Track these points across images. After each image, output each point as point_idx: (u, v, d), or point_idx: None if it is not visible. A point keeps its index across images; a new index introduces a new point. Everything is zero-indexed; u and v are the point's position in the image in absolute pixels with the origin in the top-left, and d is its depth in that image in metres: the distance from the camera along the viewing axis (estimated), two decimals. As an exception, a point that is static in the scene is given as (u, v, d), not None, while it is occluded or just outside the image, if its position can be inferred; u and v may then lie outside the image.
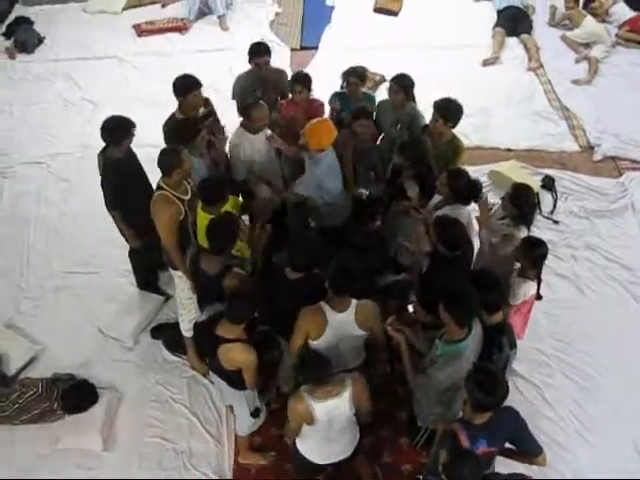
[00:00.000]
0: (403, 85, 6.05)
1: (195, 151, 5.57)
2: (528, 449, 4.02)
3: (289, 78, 6.58)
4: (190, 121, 5.79)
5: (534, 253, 4.78)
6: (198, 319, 4.88)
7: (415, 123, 6.15)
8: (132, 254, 6.43)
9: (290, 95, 6.46)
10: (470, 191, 5.22)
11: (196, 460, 5.44)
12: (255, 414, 4.96)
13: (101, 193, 5.81)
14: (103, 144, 5.68)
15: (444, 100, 5.72)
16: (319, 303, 4.51)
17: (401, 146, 5.71)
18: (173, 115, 6.02)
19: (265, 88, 6.49)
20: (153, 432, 5.64)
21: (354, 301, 4.51)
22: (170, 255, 5.37)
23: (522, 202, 5.10)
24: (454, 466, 3.55)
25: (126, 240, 6.14)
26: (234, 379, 4.63)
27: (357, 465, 4.99)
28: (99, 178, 5.80)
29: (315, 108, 6.39)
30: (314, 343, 4.52)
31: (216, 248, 4.77)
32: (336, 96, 6.55)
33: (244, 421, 5.07)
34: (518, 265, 4.93)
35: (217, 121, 6.34)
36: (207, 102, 6.26)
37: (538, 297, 5.06)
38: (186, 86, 5.91)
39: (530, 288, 4.89)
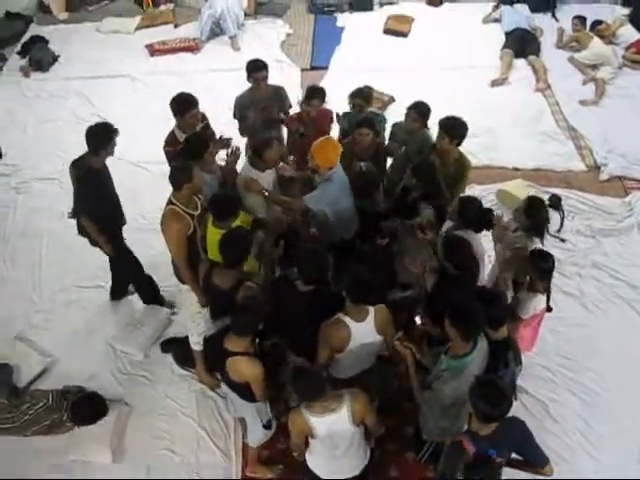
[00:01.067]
0: (421, 112, 6.13)
1: (205, 167, 5.62)
2: (534, 459, 4.04)
3: (293, 93, 6.66)
4: (198, 136, 5.84)
5: (541, 266, 4.86)
6: (208, 333, 4.93)
7: (425, 145, 6.19)
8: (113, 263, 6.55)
9: (303, 108, 6.54)
10: (481, 219, 5.27)
11: (204, 473, 5.47)
12: (268, 426, 4.98)
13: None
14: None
15: (448, 118, 5.80)
16: (338, 315, 4.53)
17: (414, 167, 5.78)
18: (172, 133, 6.09)
19: (264, 105, 6.57)
20: (162, 445, 5.67)
21: (371, 308, 4.54)
22: (179, 270, 5.45)
23: (535, 214, 5.22)
24: (474, 473, 3.60)
25: (100, 247, 6.18)
26: (244, 392, 4.65)
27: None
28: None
29: (325, 116, 6.57)
30: (339, 356, 4.55)
31: (230, 262, 4.81)
32: (344, 116, 6.66)
33: (256, 432, 5.08)
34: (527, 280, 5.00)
35: (213, 134, 6.38)
36: (203, 117, 6.31)
37: (548, 309, 5.12)
38: (184, 106, 5.97)
39: (539, 302, 4.96)
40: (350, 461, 4.46)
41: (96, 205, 5.85)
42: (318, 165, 5.55)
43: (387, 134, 6.66)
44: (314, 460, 4.49)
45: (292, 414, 4.23)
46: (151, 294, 6.75)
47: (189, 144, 5.66)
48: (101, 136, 5.69)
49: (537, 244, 5.22)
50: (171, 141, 6.07)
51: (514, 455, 4.06)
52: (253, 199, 5.71)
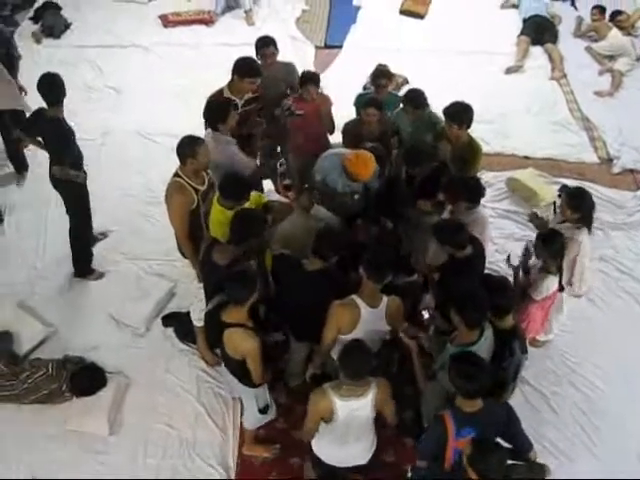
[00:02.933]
0: (416, 104, 6.13)
1: (225, 130, 5.67)
2: (518, 445, 4.04)
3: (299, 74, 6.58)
4: (223, 100, 5.89)
5: (552, 245, 4.84)
6: (207, 308, 4.89)
7: (435, 128, 6.17)
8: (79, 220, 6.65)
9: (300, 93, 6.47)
10: (473, 190, 5.26)
11: (200, 449, 5.45)
12: (264, 411, 4.95)
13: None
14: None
15: (452, 105, 5.77)
16: (351, 297, 4.48)
17: (405, 153, 5.79)
18: (221, 91, 6.12)
19: (273, 83, 6.48)
20: (159, 419, 5.66)
21: (385, 297, 4.51)
22: (180, 243, 5.46)
23: (580, 205, 5.19)
24: (481, 458, 3.59)
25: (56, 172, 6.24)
26: (241, 373, 4.61)
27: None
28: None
29: (324, 102, 6.54)
30: (344, 337, 4.50)
31: (237, 239, 4.76)
32: (360, 97, 6.60)
33: (252, 415, 5.06)
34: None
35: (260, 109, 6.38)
36: (258, 88, 6.25)
37: (561, 289, 5.10)
38: (247, 70, 5.98)
39: (552, 282, 4.96)
40: (358, 450, 4.45)
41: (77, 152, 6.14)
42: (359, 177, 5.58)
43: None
44: (321, 446, 4.46)
45: (315, 395, 4.17)
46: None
47: (213, 106, 5.71)
48: (62, 86, 5.94)
49: (585, 233, 5.22)
50: (216, 94, 6.12)
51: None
52: None
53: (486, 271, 5.34)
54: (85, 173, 6.32)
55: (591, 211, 5.29)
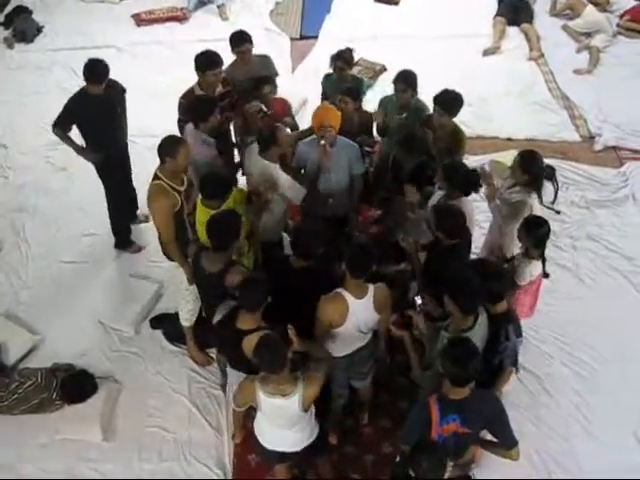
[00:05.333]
0: (408, 82, 5.99)
1: (207, 130, 5.65)
2: (502, 438, 4.01)
3: (282, 62, 6.61)
4: (206, 99, 5.89)
5: (536, 233, 4.79)
6: (214, 319, 4.81)
7: (421, 115, 6.09)
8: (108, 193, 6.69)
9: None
10: (468, 180, 5.20)
11: (196, 450, 5.41)
12: None
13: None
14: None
15: (443, 93, 5.69)
16: (338, 290, 4.46)
17: (400, 140, 5.70)
18: (192, 89, 6.11)
19: (250, 77, 6.40)
20: (153, 422, 5.61)
21: (371, 286, 4.47)
22: (167, 247, 5.38)
23: (530, 167, 5.16)
24: (417, 458, 3.56)
25: (84, 156, 6.40)
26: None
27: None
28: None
29: (282, 105, 6.57)
30: (336, 331, 4.49)
31: (217, 245, 4.73)
32: (326, 78, 6.65)
33: None
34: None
35: (235, 101, 6.36)
36: (225, 82, 6.25)
37: (545, 275, 5.06)
38: (206, 63, 5.98)
39: (535, 268, 4.90)
40: (290, 436, 4.42)
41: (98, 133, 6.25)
42: (326, 123, 5.52)
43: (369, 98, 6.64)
44: (259, 428, 4.50)
45: (244, 381, 4.28)
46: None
47: (195, 103, 5.70)
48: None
49: (534, 199, 5.18)
50: (187, 94, 6.12)
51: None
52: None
53: (473, 255, 5.33)
54: (107, 156, 6.36)
55: (540, 173, 5.24)
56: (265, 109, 6.16)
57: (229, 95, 6.29)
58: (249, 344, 4.33)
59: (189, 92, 6.12)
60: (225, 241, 4.72)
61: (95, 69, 5.95)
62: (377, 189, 6.48)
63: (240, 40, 6.34)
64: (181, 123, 6.10)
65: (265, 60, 6.73)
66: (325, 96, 6.60)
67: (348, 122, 5.92)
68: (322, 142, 5.51)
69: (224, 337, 4.69)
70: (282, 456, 4.57)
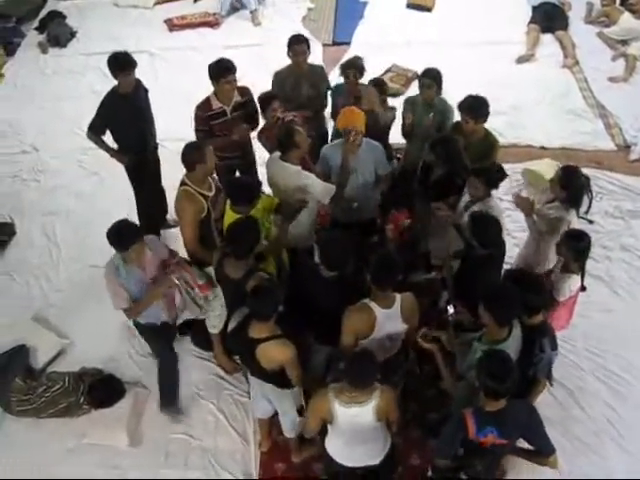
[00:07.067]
0: (433, 77, 5.93)
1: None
2: (540, 447, 3.95)
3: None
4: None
5: (577, 246, 4.70)
6: (229, 327, 4.79)
7: (448, 116, 6.05)
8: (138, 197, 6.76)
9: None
10: (496, 174, 5.22)
11: (222, 458, 5.39)
12: (300, 412, 4.86)
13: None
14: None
15: (467, 99, 5.62)
16: (365, 301, 4.41)
17: (432, 144, 5.62)
18: (207, 100, 6.04)
19: (303, 83, 6.40)
20: (179, 429, 5.60)
21: (398, 296, 4.43)
22: (192, 251, 5.36)
23: (570, 184, 5.05)
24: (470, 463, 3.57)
25: (117, 158, 6.50)
26: (279, 379, 4.53)
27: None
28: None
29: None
30: (363, 342, 4.43)
31: (237, 253, 4.71)
32: (335, 89, 6.56)
33: (291, 422, 4.97)
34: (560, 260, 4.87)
35: (255, 112, 6.24)
36: (244, 91, 6.18)
37: (583, 288, 4.96)
38: (218, 71, 5.90)
39: (575, 282, 4.80)
40: (367, 450, 4.38)
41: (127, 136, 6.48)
42: (352, 126, 5.44)
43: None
44: (332, 445, 4.42)
45: (317, 397, 4.16)
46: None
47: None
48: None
49: (573, 216, 5.08)
50: (202, 105, 6.05)
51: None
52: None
53: (506, 266, 5.26)
54: (138, 158, 6.47)
55: (580, 190, 5.11)
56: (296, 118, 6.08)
57: (244, 106, 6.17)
58: (264, 353, 4.32)
59: (205, 102, 6.04)
60: (242, 248, 4.69)
61: (117, 60, 6.19)
62: (402, 192, 6.38)
63: (298, 40, 6.34)
64: (199, 133, 6.06)
65: (319, 69, 6.73)
66: (335, 109, 6.31)
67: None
68: (349, 140, 5.44)
69: (236, 346, 4.66)
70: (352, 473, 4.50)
